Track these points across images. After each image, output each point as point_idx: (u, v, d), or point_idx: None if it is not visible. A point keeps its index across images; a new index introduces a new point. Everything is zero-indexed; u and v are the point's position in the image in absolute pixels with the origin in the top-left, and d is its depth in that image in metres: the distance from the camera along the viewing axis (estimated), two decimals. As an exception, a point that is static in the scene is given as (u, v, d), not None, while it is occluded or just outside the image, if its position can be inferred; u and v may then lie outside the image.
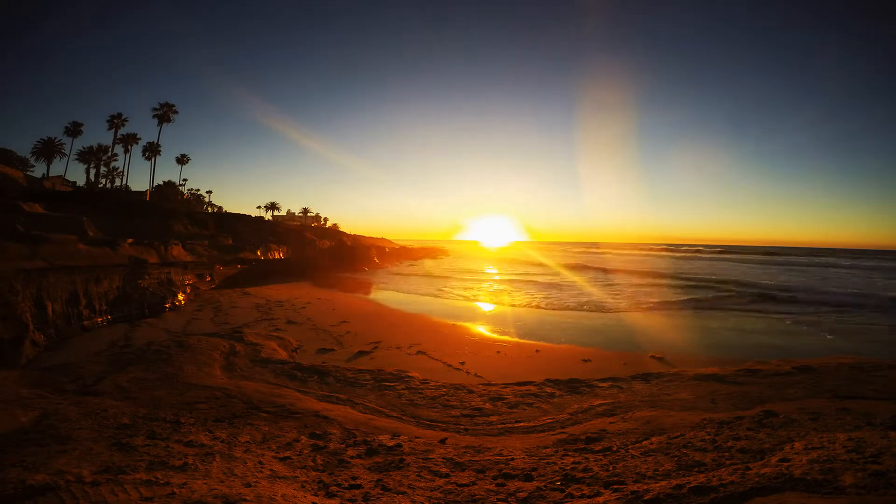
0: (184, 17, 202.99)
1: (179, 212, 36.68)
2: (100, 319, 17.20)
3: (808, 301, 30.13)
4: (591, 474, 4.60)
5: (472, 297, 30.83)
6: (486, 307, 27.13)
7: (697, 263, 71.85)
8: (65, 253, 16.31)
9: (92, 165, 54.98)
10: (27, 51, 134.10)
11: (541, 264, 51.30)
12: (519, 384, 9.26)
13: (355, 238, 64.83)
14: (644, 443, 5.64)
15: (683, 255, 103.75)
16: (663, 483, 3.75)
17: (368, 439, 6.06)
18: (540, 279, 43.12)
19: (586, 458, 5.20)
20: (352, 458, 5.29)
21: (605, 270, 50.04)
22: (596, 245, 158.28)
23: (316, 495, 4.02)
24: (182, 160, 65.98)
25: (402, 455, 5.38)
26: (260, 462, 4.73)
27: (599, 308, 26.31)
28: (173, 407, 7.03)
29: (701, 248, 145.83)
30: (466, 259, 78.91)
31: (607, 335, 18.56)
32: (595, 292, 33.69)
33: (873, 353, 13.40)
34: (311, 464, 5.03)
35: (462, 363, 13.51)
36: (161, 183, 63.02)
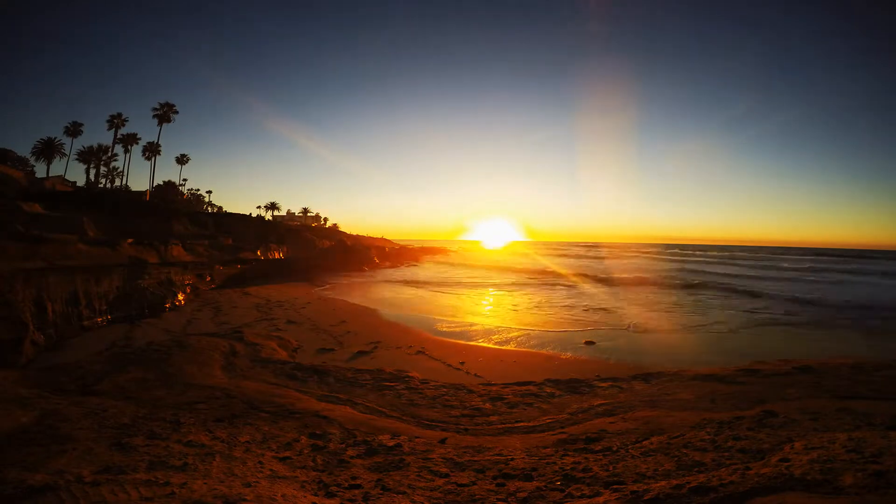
0: (184, 18, 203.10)
1: (179, 212, 36.66)
2: (100, 319, 17.19)
3: None
4: (591, 474, 4.60)
5: (470, 294, 30.81)
6: (485, 305, 27.10)
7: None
8: (65, 253, 16.30)
9: (92, 165, 54.86)
10: (27, 51, 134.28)
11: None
12: (519, 384, 9.25)
13: (355, 238, 64.91)
14: (644, 443, 5.64)
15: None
16: (663, 483, 3.75)
17: (368, 439, 6.06)
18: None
19: (586, 458, 5.19)
20: (352, 458, 5.29)
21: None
22: (596, 246, 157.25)
23: (316, 495, 4.02)
24: (182, 160, 65.94)
25: (402, 455, 5.38)
26: (260, 462, 4.73)
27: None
28: (173, 407, 7.03)
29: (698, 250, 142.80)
30: (464, 259, 78.84)
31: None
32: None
33: (873, 354, 13.36)
34: (311, 464, 5.03)
35: (462, 363, 13.49)
36: (161, 183, 63.06)
